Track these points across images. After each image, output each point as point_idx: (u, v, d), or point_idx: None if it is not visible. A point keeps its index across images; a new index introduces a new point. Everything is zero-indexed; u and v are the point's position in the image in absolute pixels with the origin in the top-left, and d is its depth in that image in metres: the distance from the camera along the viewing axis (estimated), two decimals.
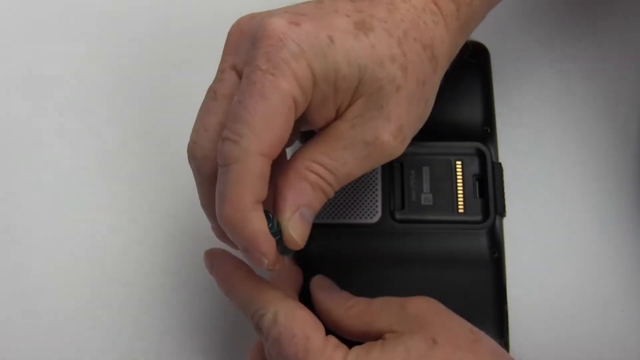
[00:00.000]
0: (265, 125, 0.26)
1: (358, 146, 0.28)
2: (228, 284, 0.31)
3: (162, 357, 0.39)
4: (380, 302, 0.32)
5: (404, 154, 0.37)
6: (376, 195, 0.37)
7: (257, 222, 0.26)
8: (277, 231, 0.28)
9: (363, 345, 0.29)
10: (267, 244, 0.27)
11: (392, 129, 0.28)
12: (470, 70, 0.40)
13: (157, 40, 0.47)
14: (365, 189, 0.37)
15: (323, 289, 0.34)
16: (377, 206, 0.37)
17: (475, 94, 0.40)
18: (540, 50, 0.45)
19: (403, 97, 0.28)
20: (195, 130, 0.28)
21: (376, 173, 0.38)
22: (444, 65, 0.31)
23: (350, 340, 0.31)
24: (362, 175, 0.37)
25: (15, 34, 0.48)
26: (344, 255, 0.36)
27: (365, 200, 0.37)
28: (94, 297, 0.41)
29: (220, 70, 0.29)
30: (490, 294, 0.36)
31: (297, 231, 0.28)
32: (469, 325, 0.31)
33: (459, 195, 0.37)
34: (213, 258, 0.32)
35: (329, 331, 0.30)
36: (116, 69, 0.47)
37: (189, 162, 0.29)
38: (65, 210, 0.43)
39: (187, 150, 0.29)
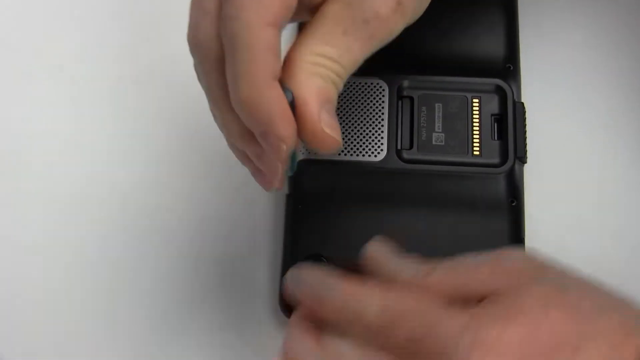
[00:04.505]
0: None
1: (359, 26, 0.26)
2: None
3: None
4: (467, 260, 0.25)
5: (415, 89, 0.35)
6: (382, 132, 0.34)
7: (275, 98, 0.24)
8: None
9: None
10: (288, 123, 0.25)
11: (390, 2, 0.26)
12: (495, 3, 0.37)
13: None
14: (370, 125, 0.34)
15: (387, 258, 0.27)
16: (382, 144, 0.34)
17: (498, 28, 0.36)
18: None
19: None
20: (193, 16, 0.26)
21: (382, 108, 0.35)
22: None
23: None
24: (367, 110, 0.35)
25: None
26: (345, 195, 0.33)
27: (370, 137, 0.34)
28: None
29: None
30: (506, 246, 0.32)
31: (331, 127, 0.26)
32: None
33: (475, 136, 0.34)
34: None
35: None
36: None
37: (192, 51, 0.26)
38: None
39: (188, 39, 0.26)
